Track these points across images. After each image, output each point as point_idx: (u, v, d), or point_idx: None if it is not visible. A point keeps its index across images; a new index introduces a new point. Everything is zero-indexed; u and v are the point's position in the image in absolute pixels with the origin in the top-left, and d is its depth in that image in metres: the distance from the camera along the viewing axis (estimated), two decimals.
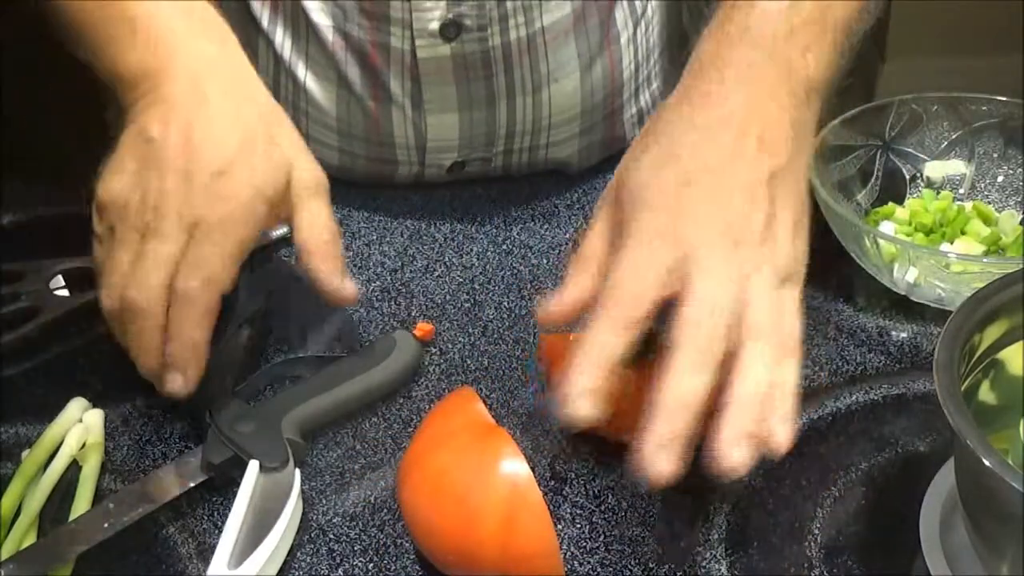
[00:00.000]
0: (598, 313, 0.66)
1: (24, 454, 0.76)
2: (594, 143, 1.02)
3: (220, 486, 0.75)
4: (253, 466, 0.73)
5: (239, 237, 0.74)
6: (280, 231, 0.88)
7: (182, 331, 0.74)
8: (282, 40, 0.95)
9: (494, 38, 0.93)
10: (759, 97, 0.72)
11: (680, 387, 0.64)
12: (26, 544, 0.71)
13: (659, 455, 0.63)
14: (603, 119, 1.02)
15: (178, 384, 0.75)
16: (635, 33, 1.00)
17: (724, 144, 0.71)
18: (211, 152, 0.74)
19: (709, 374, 0.65)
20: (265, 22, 0.94)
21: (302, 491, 0.74)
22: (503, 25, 0.93)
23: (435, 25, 0.91)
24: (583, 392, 0.65)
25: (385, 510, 0.74)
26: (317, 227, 0.78)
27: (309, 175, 0.78)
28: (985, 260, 0.86)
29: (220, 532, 0.72)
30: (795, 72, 0.74)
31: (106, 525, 0.71)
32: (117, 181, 0.75)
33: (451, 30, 0.92)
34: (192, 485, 0.74)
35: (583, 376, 0.65)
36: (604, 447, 0.76)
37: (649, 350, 0.68)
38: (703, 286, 0.66)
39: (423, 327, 0.85)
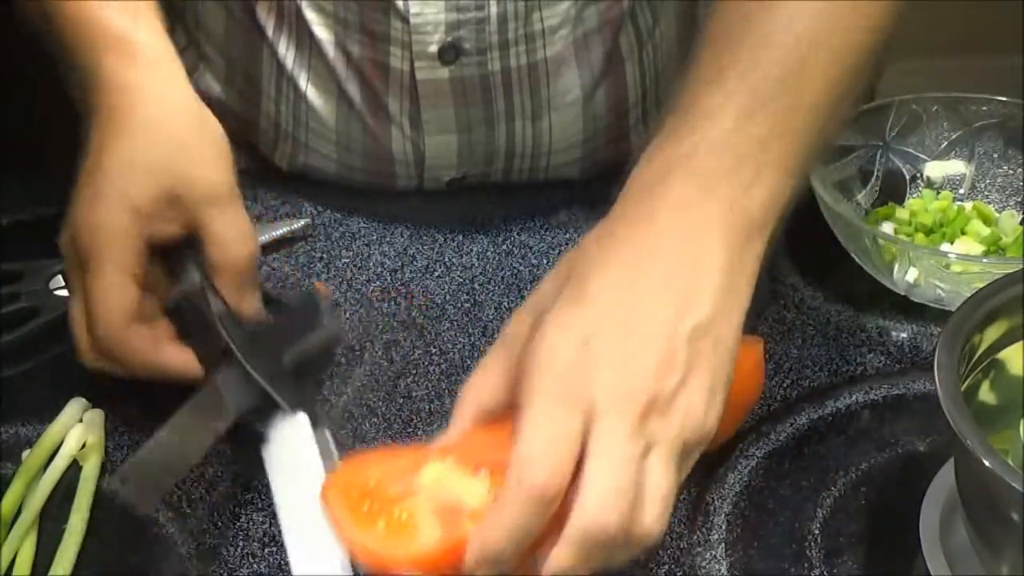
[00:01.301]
0: (511, 490, 0.60)
1: (24, 454, 0.76)
2: (598, 163, 1.01)
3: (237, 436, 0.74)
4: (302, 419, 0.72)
5: (119, 257, 0.74)
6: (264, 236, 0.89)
7: (131, 363, 0.76)
8: (285, 51, 0.95)
9: (493, 63, 0.93)
10: (689, 241, 0.66)
11: (552, 568, 0.60)
12: (26, 544, 0.71)
13: None
14: (607, 143, 1.00)
15: (191, 378, 0.75)
16: (641, 58, 0.98)
17: (641, 294, 0.64)
18: (95, 176, 0.75)
19: (587, 565, 0.61)
20: (269, 31, 0.94)
21: None
22: (503, 52, 0.92)
23: (434, 48, 0.91)
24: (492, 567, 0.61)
25: None
26: (226, 243, 0.77)
27: (213, 182, 0.77)
28: (985, 260, 0.86)
29: (219, 532, 0.72)
30: (736, 212, 0.67)
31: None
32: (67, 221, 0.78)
33: (450, 53, 0.91)
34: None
35: (494, 554, 0.60)
36: None
37: None
38: (601, 467, 0.60)
39: (319, 286, 0.88)
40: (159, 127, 0.77)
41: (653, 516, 0.61)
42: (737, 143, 0.67)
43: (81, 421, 0.78)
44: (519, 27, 0.91)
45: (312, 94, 0.95)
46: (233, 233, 0.77)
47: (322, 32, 0.93)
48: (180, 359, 0.76)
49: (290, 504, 0.69)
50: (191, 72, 0.87)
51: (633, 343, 0.63)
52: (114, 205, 0.75)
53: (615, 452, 0.60)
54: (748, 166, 0.67)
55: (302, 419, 0.72)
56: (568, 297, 0.64)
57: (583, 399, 0.61)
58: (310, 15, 0.92)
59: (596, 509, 0.60)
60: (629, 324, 0.63)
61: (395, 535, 0.64)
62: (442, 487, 0.66)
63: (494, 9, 0.90)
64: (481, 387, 0.66)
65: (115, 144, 0.76)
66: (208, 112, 0.80)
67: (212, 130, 0.79)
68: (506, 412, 0.65)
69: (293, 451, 0.71)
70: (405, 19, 0.90)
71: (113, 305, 0.74)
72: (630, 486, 0.60)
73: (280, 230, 0.93)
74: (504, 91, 0.94)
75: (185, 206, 0.77)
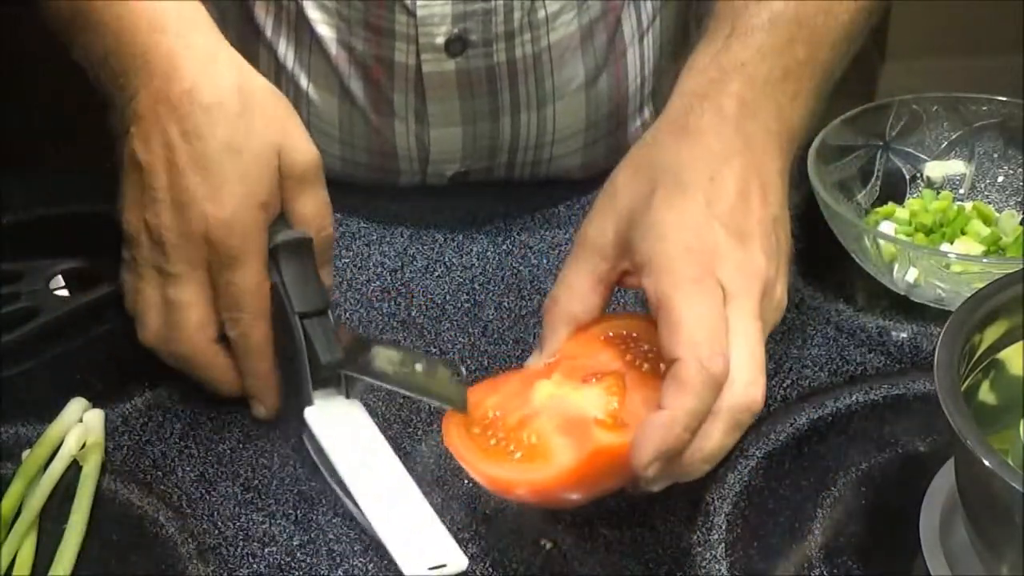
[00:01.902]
0: (693, 376, 0.64)
1: (24, 454, 0.76)
2: (599, 155, 1.02)
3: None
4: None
5: (253, 254, 0.74)
6: None
7: (250, 370, 0.76)
8: (284, 50, 0.94)
9: (499, 54, 0.93)
10: (755, 140, 0.71)
11: (708, 448, 0.66)
12: (26, 544, 0.71)
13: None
14: (608, 133, 1.01)
15: (262, 413, 0.77)
16: (641, 46, 0.99)
17: (733, 183, 0.70)
18: (195, 176, 0.73)
19: (735, 437, 0.66)
20: (268, 31, 0.94)
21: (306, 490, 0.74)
22: (509, 42, 0.92)
23: (441, 40, 0.91)
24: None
25: None
26: (316, 219, 0.77)
27: (301, 157, 0.76)
28: (985, 260, 0.86)
29: (219, 532, 0.72)
30: (783, 119, 0.73)
31: None
32: (128, 212, 0.76)
33: (457, 45, 0.91)
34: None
35: (676, 444, 0.64)
36: None
37: None
38: (745, 346, 0.66)
39: None
40: (248, 109, 0.75)
41: (764, 388, 0.67)
42: (785, 58, 0.74)
43: (81, 421, 0.78)
44: (524, 16, 0.92)
45: (313, 93, 0.95)
46: (321, 210, 0.77)
47: (324, 30, 0.92)
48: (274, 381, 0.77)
49: (363, 480, 0.71)
50: None
51: (741, 230, 0.68)
52: (246, 203, 0.73)
53: (751, 331, 0.66)
54: (791, 81, 0.74)
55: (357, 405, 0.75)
56: (668, 191, 0.69)
57: (717, 281, 0.66)
58: (312, 14, 0.92)
59: (747, 386, 0.65)
60: (730, 213, 0.69)
61: (532, 460, 0.66)
62: (559, 402, 0.68)
63: None
64: (570, 299, 0.71)
65: (212, 130, 0.74)
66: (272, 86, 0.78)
67: (275, 94, 0.78)
68: (593, 320, 0.71)
69: (349, 428, 0.74)
70: (412, 13, 0.90)
71: (262, 301, 0.74)
72: (764, 362, 0.66)
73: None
74: (509, 81, 0.94)
75: (284, 185, 0.76)
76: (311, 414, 0.75)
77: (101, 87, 0.79)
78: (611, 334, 0.71)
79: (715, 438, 0.65)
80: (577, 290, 0.71)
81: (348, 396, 0.76)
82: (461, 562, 0.67)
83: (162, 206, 0.74)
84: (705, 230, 0.68)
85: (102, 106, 0.80)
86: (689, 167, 0.70)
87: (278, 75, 0.96)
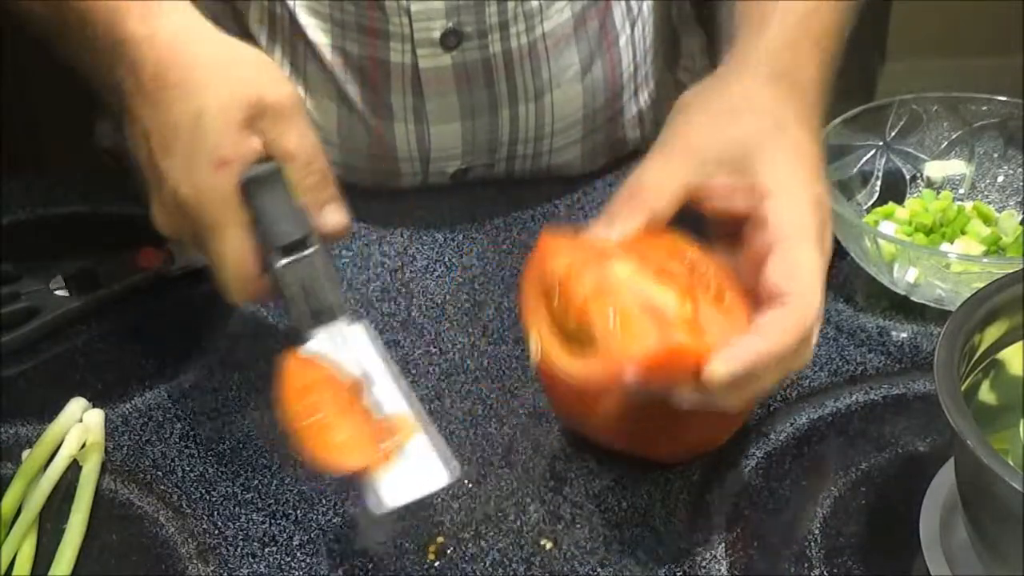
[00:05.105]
0: (797, 320, 0.67)
1: (24, 454, 0.76)
2: (597, 147, 1.02)
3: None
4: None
5: (232, 217, 0.71)
6: None
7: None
8: (280, 59, 0.94)
9: (495, 45, 0.93)
10: (813, 110, 0.77)
11: (757, 387, 0.67)
12: (26, 544, 0.71)
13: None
14: (605, 122, 1.01)
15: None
16: (632, 33, 1.00)
17: (817, 150, 0.75)
18: (164, 157, 0.72)
19: (782, 375, 0.68)
20: (263, 41, 0.94)
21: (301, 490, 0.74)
22: (504, 32, 0.93)
23: (436, 34, 0.91)
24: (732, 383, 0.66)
25: None
26: (302, 153, 0.74)
27: (274, 94, 0.73)
28: (985, 260, 0.86)
29: (219, 532, 0.72)
30: (817, 89, 0.78)
31: None
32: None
33: (452, 39, 0.92)
34: None
35: (755, 372, 0.65)
36: (604, 448, 0.76)
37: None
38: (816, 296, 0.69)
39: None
40: (210, 64, 0.73)
41: None
42: (810, 27, 0.79)
43: (81, 421, 0.78)
44: (517, 5, 0.92)
45: (310, 102, 0.95)
46: (306, 142, 0.74)
47: (318, 36, 0.92)
48: None
49: None
50: None
51: (823, 194, 0.73)
52: (206, 167, 0.71)
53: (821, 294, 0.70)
54: (812, 55, 0.78)
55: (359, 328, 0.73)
56: (788, 138, 0.73)
57: (822, 224, 0.71)
58: (304, 19, 0.92)
59: (810, 354, 0.69)
60: (821, 179, 0.74)
61: (620, 331, 0.67)
62: (638, 286, 0.68)
63: None
64: (659, 195, 0.72)
65: (177, 105, 0.72)
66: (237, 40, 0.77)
67: (252, 50, 0.76)
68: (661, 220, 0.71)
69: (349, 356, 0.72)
70: (406, 11, 0.90)
71: (243, 266, 0.72)
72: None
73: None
74: (506, 72, 0.94)
75: (261, 130, 0.73)
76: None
77: (102, 95, 0.78)
78: (677, 248, 0.72)
79: (767, 382, 0.68)
80: (667, 188, 0.72)
81: (351, 323, 0.73)
82: (440, 479, 0.65)
83: (155, 201, 0.73)
84: (822, 196, 0.73)
85: (101, 104, 0.79)
86: (799, 124, 0.75)
87: None
